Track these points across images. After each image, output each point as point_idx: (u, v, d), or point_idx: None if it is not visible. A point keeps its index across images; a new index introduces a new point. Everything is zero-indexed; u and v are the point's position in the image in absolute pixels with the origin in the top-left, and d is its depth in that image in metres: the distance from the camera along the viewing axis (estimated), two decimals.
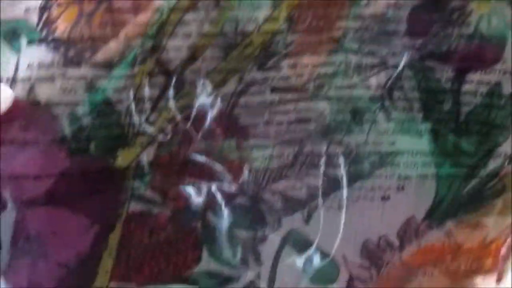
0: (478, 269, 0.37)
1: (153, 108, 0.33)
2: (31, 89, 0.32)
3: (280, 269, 0.36)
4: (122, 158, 0.34)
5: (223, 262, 0.36)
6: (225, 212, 0.35)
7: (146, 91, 0.33)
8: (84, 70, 0.32)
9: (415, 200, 0.35)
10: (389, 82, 0.34)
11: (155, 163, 0.34)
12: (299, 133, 0.34)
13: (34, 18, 0.32)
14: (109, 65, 0.32)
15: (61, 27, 0.32)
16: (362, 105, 0.34)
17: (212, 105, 0.33)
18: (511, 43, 0.34)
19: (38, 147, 0.33)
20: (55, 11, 0.32)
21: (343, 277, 0.37)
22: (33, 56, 0.32)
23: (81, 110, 0.33)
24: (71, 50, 0.32)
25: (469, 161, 0.35)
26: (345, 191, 0.35)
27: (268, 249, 0.36)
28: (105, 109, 0.33)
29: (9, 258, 0.35)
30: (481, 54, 0.34)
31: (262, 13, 0.32)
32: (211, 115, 0.33)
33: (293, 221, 0.35)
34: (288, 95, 0.34)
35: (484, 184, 0.36)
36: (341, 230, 0.35)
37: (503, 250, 0.37)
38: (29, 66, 0.32)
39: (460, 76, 0.34)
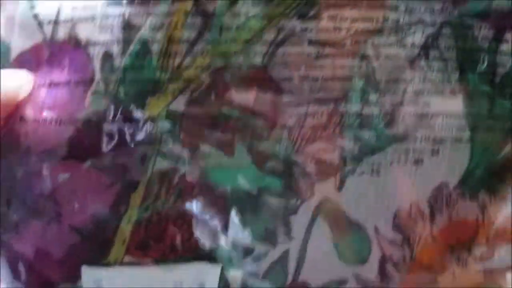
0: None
1: (188, 52, 0.32)
2: (72, 29, 0.32)
3: (311, 244, 0.34)
4: (151, 107, 0.32)
5: (252, 234, 0.33)
6: (256, 175, 0.33)
7: (183, 33, 0.31)
8: (123, 7, 0.31)
9: (448, 165, 0.34)
10: (428, 40, 0.33)
11: (186, 115, 0.32)
12: (334, 91, 0.33)
13: None
14: (147, 2, 0.31)
15: None
16: (398, 64, 0.33)
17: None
18: None
19: (67, 88, 0.31)
20: None
21: (375, 255, 0.34)
22: None
23: (116, 49, 0.31)
24: None
25: (504, 125, 0.34)
26: (379, 155, 0.33)
27: (299, 220, 0.34)
28: (139, 49, 0.31)
29: (17, 218, 0.32)
30: None
31: None
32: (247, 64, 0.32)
33: (326, 188, 0.33)
34: (326, 50, 0.33)
35: None
36: (373, 198, 0.33)
37: None
38: (73, 8, 0.32)
39: (498, 34, 0.34)
